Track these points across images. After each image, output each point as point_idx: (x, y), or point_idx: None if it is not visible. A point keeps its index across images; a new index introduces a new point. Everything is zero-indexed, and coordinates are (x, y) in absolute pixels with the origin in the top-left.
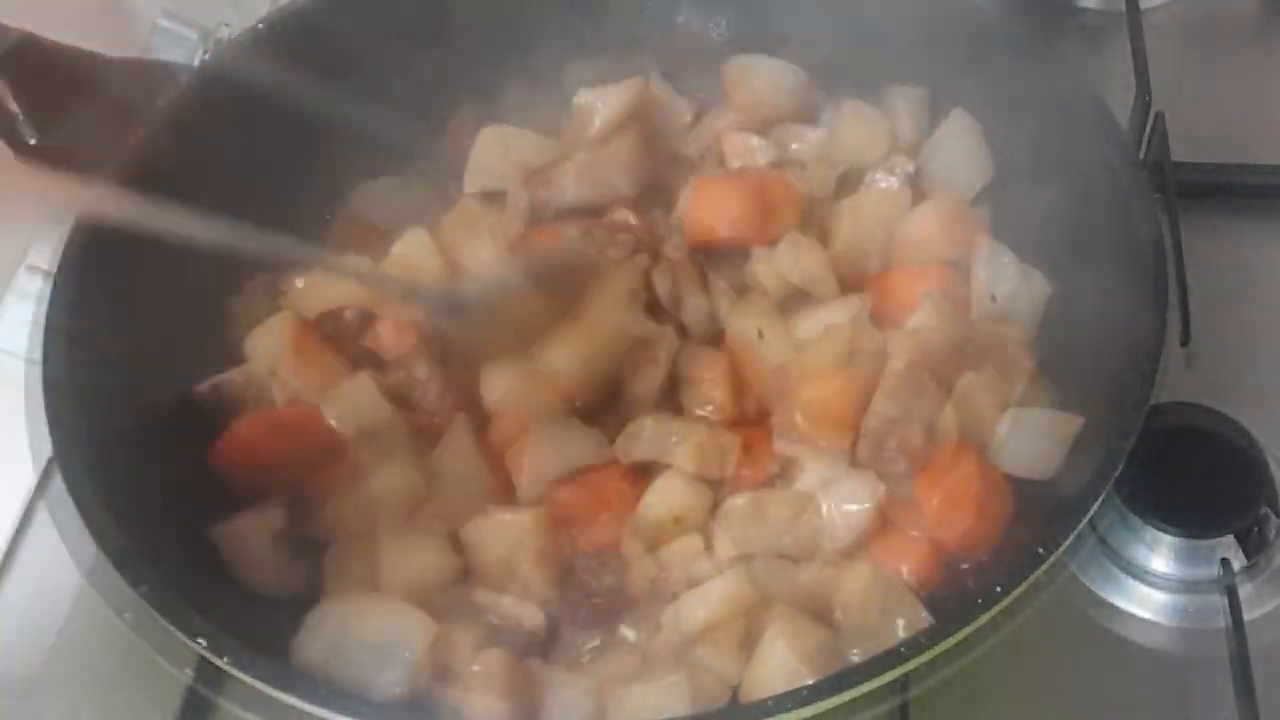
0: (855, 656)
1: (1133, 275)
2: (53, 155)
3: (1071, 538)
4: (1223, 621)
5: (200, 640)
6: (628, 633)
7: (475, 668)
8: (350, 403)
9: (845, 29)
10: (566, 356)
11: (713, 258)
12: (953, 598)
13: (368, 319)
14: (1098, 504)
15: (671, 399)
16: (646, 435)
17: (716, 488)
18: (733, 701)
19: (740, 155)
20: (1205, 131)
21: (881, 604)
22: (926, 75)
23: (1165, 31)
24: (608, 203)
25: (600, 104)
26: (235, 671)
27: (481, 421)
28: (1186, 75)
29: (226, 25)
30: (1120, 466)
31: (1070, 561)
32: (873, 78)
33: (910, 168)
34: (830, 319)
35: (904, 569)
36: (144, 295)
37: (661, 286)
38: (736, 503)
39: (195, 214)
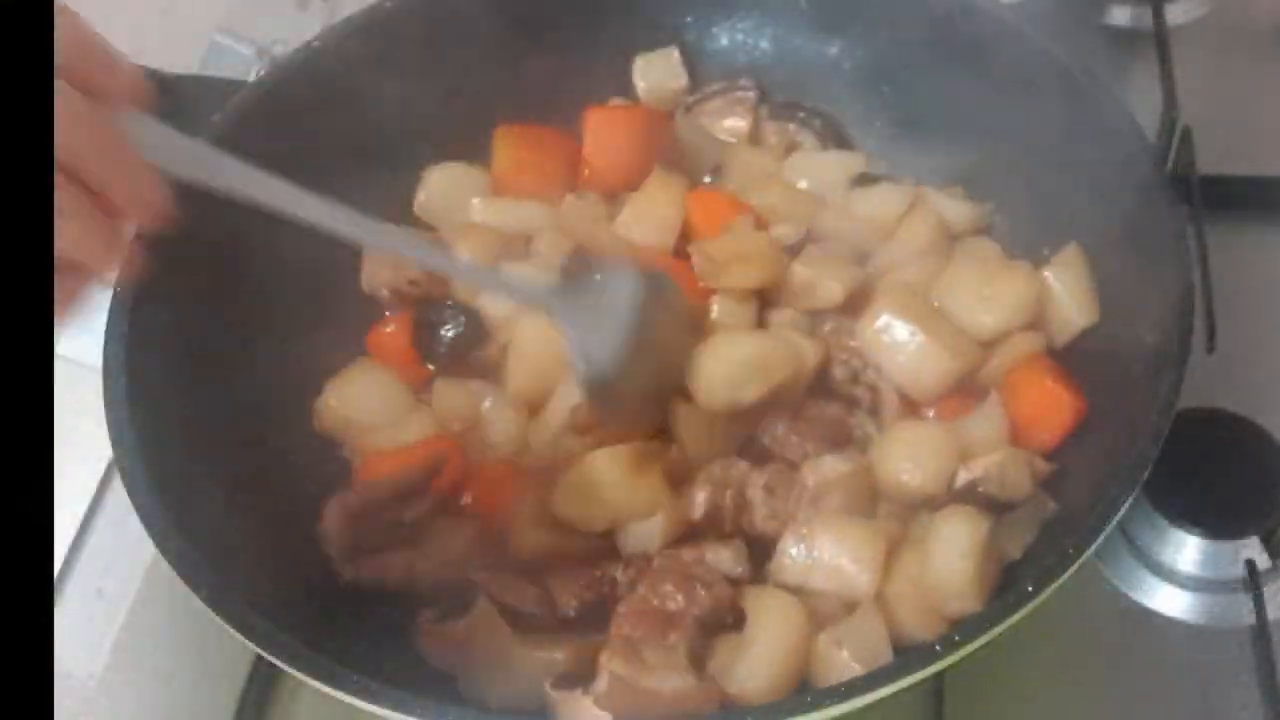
0: None
1: (1159, 284)
2: None
3: (1101, 538)
4: (1247, 621)
5: (262, 644)
6: None
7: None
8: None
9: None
10: None
11: None
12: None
13: None
14: (1127, 506)
15: None
16: None
17: None
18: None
19: None
20: (1232, 145)
21: None
22: (949, 92)
23: (1192, 46)
24: None
25: None
26: (295, 672)
27: None
28: (1213, 89)
29: (281, 42)
30: (1149, 469)
31: (1099, 560)
32: (893, 94)
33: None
34: None
35: None
36: (206, 302)
37: None
38: None
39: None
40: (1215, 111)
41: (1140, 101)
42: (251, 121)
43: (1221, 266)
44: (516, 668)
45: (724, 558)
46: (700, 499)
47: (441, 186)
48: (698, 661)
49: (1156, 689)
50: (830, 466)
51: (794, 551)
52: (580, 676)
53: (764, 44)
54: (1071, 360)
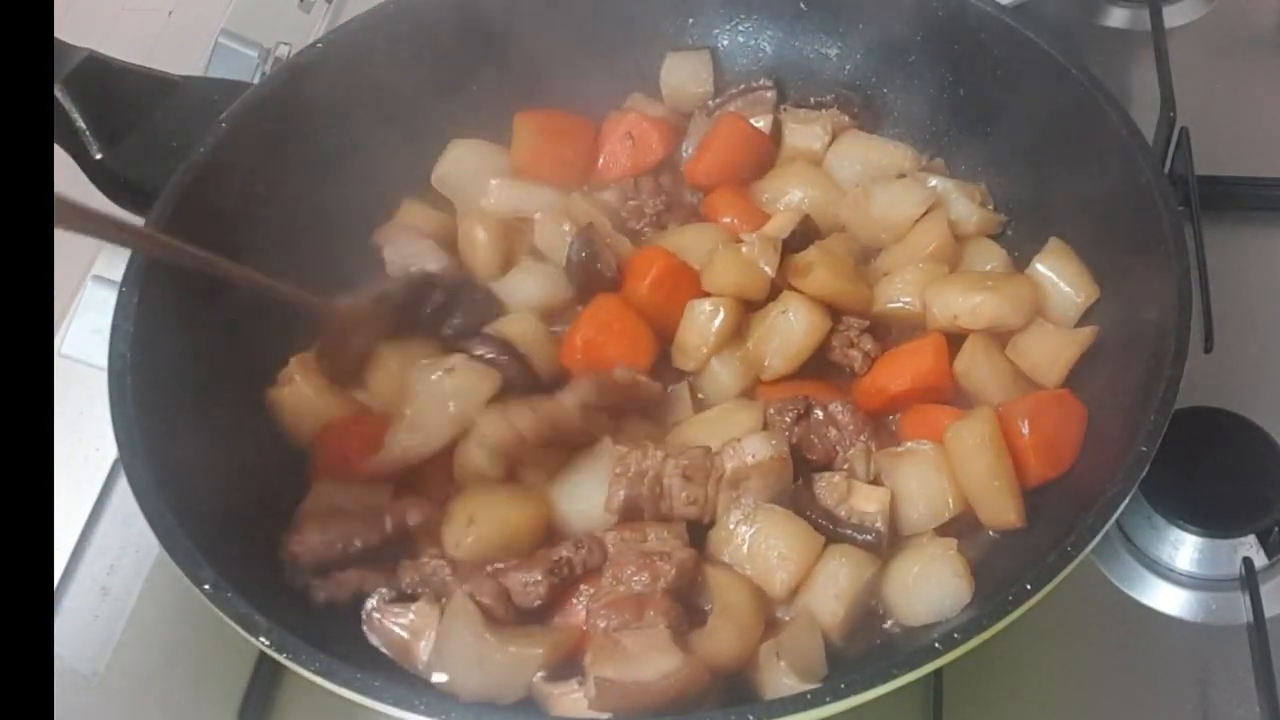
0: None
1: (1158, 285)
2: (117, 169)
3: (1099, 537)
4: (1244, 618)
5: (262, 639)
6: None
7: None
8: None
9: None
10: None
11: None
12: (984, 594)
13: None
14: (1124, 504)
15: None
16: None
17: None
18: None
19: None
20: (1230, 146)
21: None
22: (949, 95)
23: (1190, 49)
24: None
25: None
26: (296, 668)
27: None
28: (1210, 91)
29: (285, 44)
30: (1147, 468)
31: (1096, 558)
32: (894, 95)
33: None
34: None
35: None
36: (207, 303)
37: None
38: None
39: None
40: (1213, 113)
41: (1139, 103)
42: (256, 123)
43: (1220, 267)
44: (493, 661)
45: (666, 536)
46: (617, 491)
47: (461, 161)
48: (679, 635)
49: (1154, 685)
50: (749, 452)
51: (733, 528)
52: (570, 668)
53: (765, 46)
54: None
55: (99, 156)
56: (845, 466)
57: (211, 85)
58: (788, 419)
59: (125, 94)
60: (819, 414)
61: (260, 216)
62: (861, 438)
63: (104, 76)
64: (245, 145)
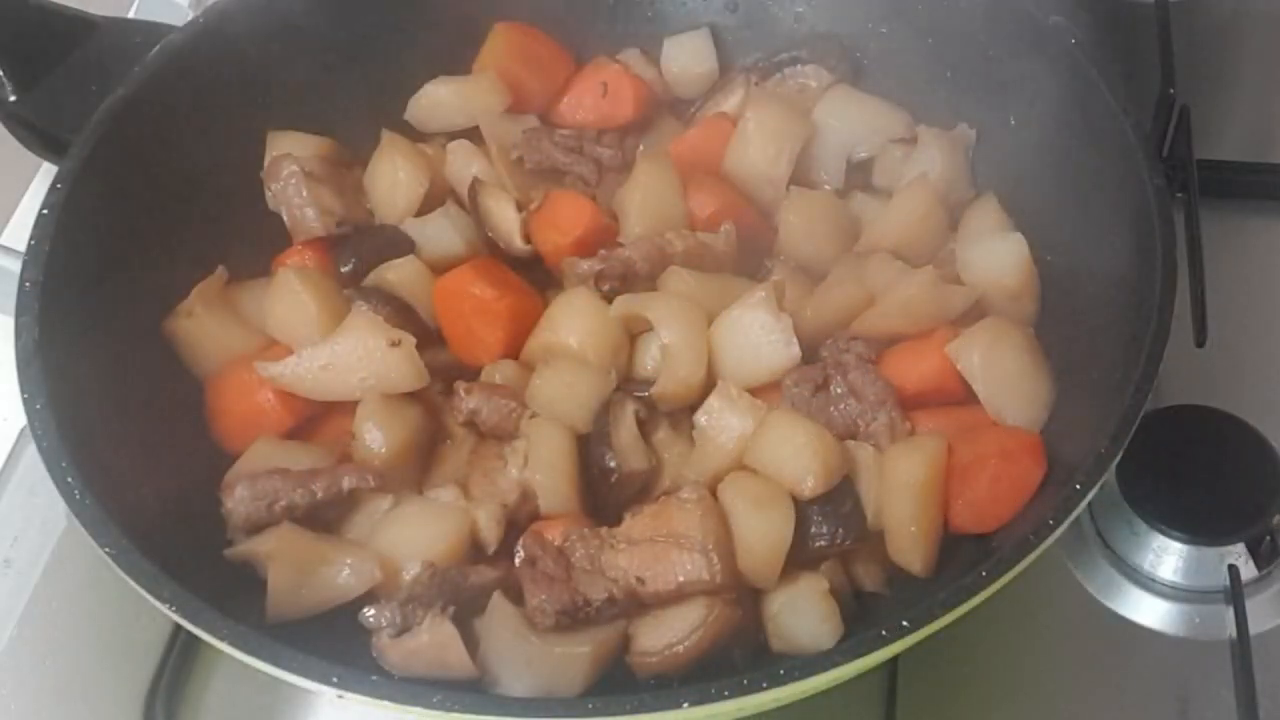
0: None
1: (1146, 270)
2: (33, 114)
3: (1068, 522)
4: (1228, 634)
5: (173, 607)
6: None
7: None
8: None
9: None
10: None
11: None
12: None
13: None
14: (1094, 491)
15: None
16: None
17: None
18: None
19: None
20: (1230, 128)
21: None
22: (942, 61)
23: (1193, 26)
24: None
25: None
26: (206, 635)
27: None
28: (1213, 71)
29: None
30: (1120, 452)
31: (1072, 565)
32: (891, 66)
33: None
34: None
35: None
36: (118, 260)
37: None
38: None
39: None
40: (1216, 94)
41: (1138, 81)
42: (182, 65)
43: (1220, 256)
44: (538, 663)
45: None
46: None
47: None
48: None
49: (1131, 703)
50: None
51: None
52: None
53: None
54: (1057, 342)
55: (12, 99)
56: (872, 442)
57: (135, 27)
58: (805, 391)
59: (41, 34)
60: (839, 385)
61: (184, 162)
62: (885, 409)
63: (18, 14)
64: (169, 89)
